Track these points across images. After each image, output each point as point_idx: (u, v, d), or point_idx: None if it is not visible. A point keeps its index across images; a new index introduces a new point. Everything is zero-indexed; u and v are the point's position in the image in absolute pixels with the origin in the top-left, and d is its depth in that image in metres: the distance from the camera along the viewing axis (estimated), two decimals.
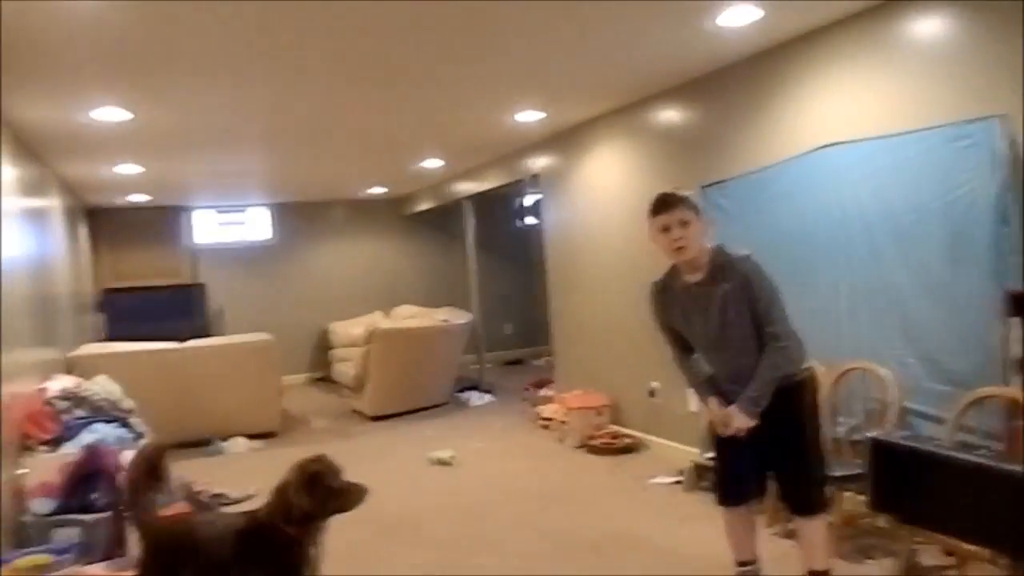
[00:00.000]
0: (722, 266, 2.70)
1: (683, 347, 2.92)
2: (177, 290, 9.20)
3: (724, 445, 2.83)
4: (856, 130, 3.60)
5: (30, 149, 5.24)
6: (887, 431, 3.22)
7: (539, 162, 6.73)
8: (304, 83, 4.27)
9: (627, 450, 5.35)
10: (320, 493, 2.40)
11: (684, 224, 2.68)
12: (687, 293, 2.78)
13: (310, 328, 9.86)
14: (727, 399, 2.76)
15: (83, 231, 8.31)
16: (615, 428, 5.62)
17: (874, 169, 3.48)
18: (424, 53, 3.83)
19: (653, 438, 5.38)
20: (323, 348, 9.76)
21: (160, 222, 9.34)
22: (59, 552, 3.36)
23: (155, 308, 8.69)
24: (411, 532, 4.05)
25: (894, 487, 2.80)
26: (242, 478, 4.99)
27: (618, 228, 5.63)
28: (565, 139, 6.20)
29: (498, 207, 9.74)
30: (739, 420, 2.66)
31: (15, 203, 4.57)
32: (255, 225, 10.02)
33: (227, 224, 9.89)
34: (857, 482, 3.20)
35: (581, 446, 5.55)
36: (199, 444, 6.06)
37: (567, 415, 5.77)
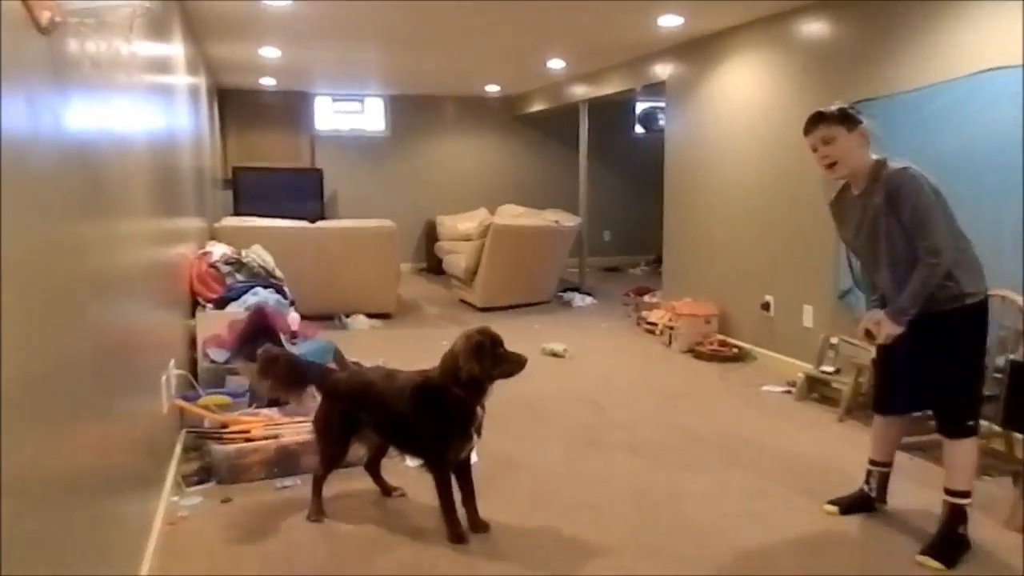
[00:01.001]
0: (876, 178, 2.69)
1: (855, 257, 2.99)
2: (298, 173, 9.64)
3: (886, 356, 2.89)
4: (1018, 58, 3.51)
5: (189, 28, 5.54)
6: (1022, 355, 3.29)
7: (667, 69, 6.68)
8: None
9: (735, 359, 5.53)
10: (485, 360, 2.69)
11: (828, 141, 2.70)
12: (852, 206, 2.83)
13: (417, 219, 10.19)
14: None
15: (215, 110, 8.72)
16: (722, 337, 5.79)
17: None
18: None
19: (761, 350, 5.54)
20: (429, 240, 10.11)
21: (284, 107, 9.70)
22: (234, 395, 3.82)
23: (278, 188, 9.15)
24: (542, 412, 4.36)
25: None
26: (368, 352, 5.38)
27: (747, 141, 5.63)
28: (699, 47, 6.13)
29: (608, 114, 9.71)
30: (886, 327, 2.71)
31: (184, 80, 4.90)
32: (370, 115, 10.29)
33: (344, 112, 10.18)
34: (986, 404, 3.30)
35: (688, 351, 5.76)
36: (324, 318, 6.51)
37: (676, 321, 5.95)
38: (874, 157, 2.75)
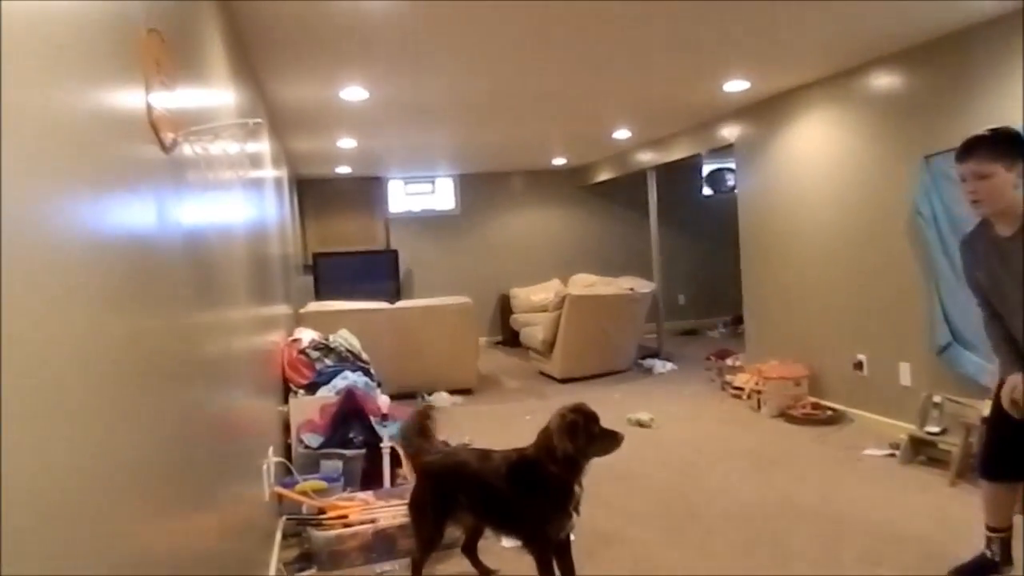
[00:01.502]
0: None
1: (994, 310, 2.65)
2: (374, 255, 9.92)
3: (1003, 419, 2.64)
4: None
5: (274, 124, 5.86)
6: None
7: (734, 131, 6.70)
8: (503, 57, 4.43)
9: (829, 422, 5.33)
10: (579, 438, 2.67)
11: (981, 176, 2.41)
12: (995, 248, 2.52)
13: (490, 293, 10.30)
14: None
15: (295, 199, 9.11)
16: (813, 399, 5.60)
17: None
18: (635, 21, 3.86)
19: (856, 411, 5.32)
20: (504, 313, 10.19)
21: (359, 192, 10.07)
22: (329, 479, 3.86)
23: (356, 271, 9.43)
24: (635, 484, 4.26)
25: None
26: (452, 428, 5.38)
27: (823, 198, 5.55)
28: (766, 107, 6.14)
29: (675, 177, 9.73)
30: None
31: (270, 173, 5.15)
32: (440, 195, 10.57)
33: (415, 194, 10.50)
34: None
35: (779, 415, 5.58)
36: (407, 396, 6.58)
37: (763, 384, 5.79)
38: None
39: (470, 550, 3.16)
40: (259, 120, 2.16)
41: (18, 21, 0.92)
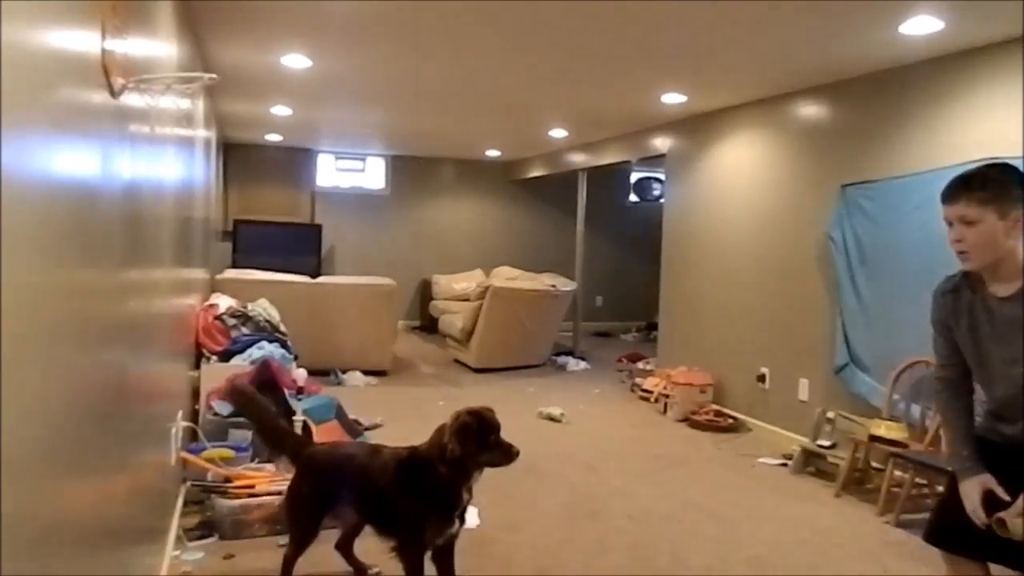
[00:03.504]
0: None
1: (956, 381, 2.18)
2: (297, 228, 9.73)
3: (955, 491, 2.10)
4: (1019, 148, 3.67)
5: (209, 85, 5.68)
6: None
7: (666, 142, 6.89)
8: (449, 44, 4.42)
9: (730, 429, 5.57)
10: (470, 443, 2.53)
11: (968, 222, 1.96)
12: (986, 309, 2.05)
13: (412, 277, 10.26)
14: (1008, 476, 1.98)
15: (220, 163, 8.84)
16: (716, 407, 5.83)
17: None
18: (582, 25, 3.92)
19: (755, 421, 5.58)
20: (424, 298, 10.17)
21: (287, 162, 9.85)
22: (238, 449, 3.80)
23: (276, 242, 9.22)
24: (542, 477, 4.35)
25: None
26: (364, 408, 5.38)
27: (744, 215, 5.78)
28: (699, 123, 6.34)
29: (603, 181, 9.92)
30: None
31: (201, 133, 5.01)
32: (371, 173, 10.46)
33: (345, 170, 10.35)
34: None
35: (683, 420, 5.79)
36: (320, 373, 6.50)
37: (671, 389, 6.00)
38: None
39: (346, 547, 2.99)
40: (215, 76, 2.11)
41: None
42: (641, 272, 10.14)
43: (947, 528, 2.14)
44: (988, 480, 2.00)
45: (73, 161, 1.34)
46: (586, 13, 3.72)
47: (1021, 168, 2.05)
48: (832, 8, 3.45)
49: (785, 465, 4.73)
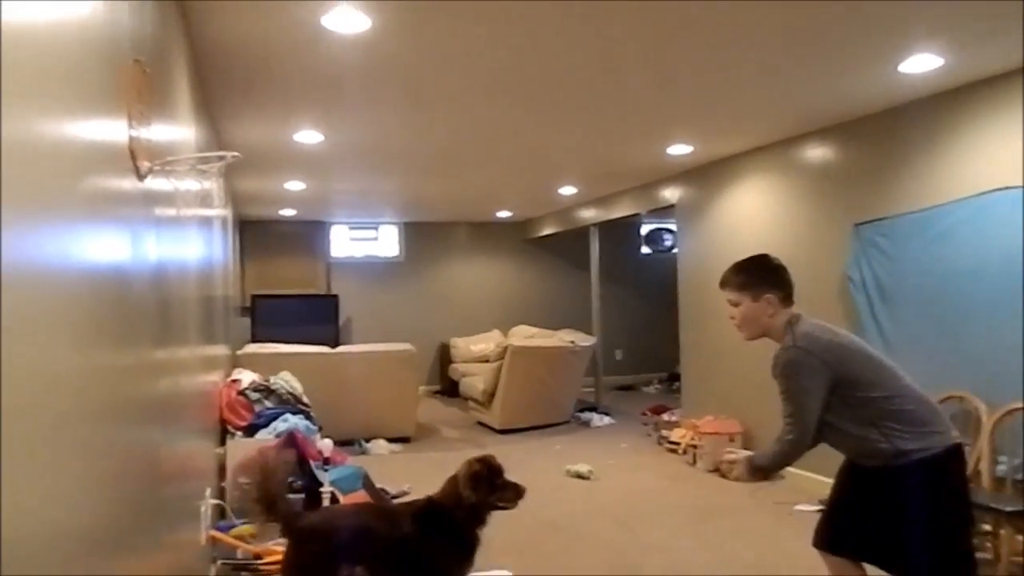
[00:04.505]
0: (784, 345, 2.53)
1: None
2: (314, 299, 9.80)
3: (837, 489, 2.69)
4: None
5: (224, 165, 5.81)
6: None
7: (675, 193, 6.94)
8: (457, 109, 4.51)
9: (763, 477, 5.45)
10: (483, 488, 2.71)
11: (733, 304, 2.62)
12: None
13: (430, 342, 10.26)
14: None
15: (237, 240, 8.98)
16: None
17: None
18: (588, 83, 4.00)
19: (790, 468, 5.46)
20: (443, 362, 10.15)
21: (302, 235, 10.00)
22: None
23: (294, 314, 9.28)
24: (574, 536, 4.27)
25: None
26: (390, 477, 5.32)
27: None
28: (708, 171, 6.39)
29: (615, 234, 9.98)
30: (739, 469, 2.70)
31: (218, 212, 5.10)
32: (384, 241, 10.57)
33: (359, 240, 10.48)
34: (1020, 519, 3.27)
35: (713, 470, 5.68)
36: (344, 443, 6.46)
37: (699, 440, 5.91)
38: (789, 319, 2.57)
39: None
40: (238, 154, 2.16)
41: (18, 47, 0.94)
42: (659, 323, 10.10)
43: (830, 533, 2.61)
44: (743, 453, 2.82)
45: (106, 245, 1.37)
46: (592, 71, 3.81)
47: None
48: (833, 49, 3.51)
49: (824, 510, 4.60)
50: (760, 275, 2.59)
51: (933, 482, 2.35)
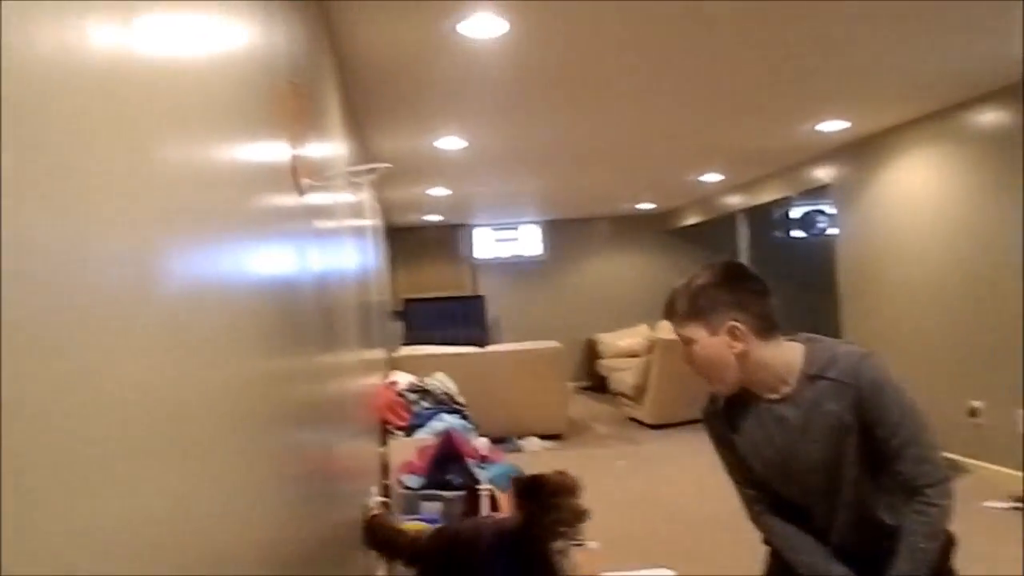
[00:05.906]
0: (819, 374, 1.72)
1: (759, 495, 1.85)
2: (462, 300, 10.06)
3: None
4: None
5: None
6: None
7: (830, 172, 6.56)
8: (597, 105, 4.49)
9: None
10: (531, 505, 2.41)
11: (686, 342, 1.74)
12: (756, 416, 1.77)
13: (577, 338, 10.27)
14: None
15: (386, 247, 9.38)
16: None
17: None
18: (728, 64, 3.87)
19: (972, 461, 5.03)
20: (590, 358, 10.13)
21: (447, 239, 10.30)
22: (430, 521, 3.88)
23: (445, 316, 9.57)
24: (733, 530, 4.12)
25: None
26: None
27: (928, 237, 5.36)
28: (864, 147, 6.00)
29: (763, 219, 9.57)
30: None
31: (370, 222, 5.33)
32: (526, 241, 10.69)
33: (503, 240, 10.65)
34: None
35: None
36: (498, 440, 6.57)
37: None
38: (797, 344, 1.81)
39: None
40: (389, 165, 2.25)
41: (197, 80, 1.00)
42: (814, 309, 9.55)
43: None
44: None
45: (275, 259, 1.45)
46: (734, 53, 3.66)
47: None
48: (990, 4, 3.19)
49: (1018, 509, 4.21)
50: (715, 295, 1.71)
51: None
